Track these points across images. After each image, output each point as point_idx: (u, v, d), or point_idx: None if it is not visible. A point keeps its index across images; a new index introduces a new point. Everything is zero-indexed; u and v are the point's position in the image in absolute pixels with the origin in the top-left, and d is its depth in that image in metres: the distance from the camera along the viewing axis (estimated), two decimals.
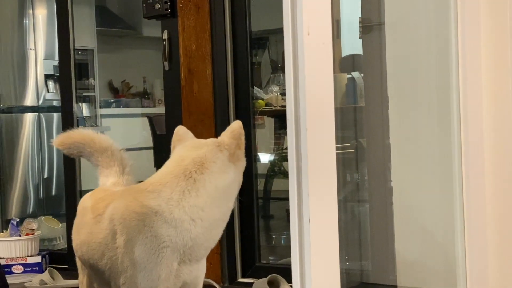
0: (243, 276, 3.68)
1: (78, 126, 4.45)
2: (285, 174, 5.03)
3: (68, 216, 4.30)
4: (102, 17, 6.92)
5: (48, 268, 3.96)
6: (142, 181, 2.12)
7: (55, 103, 5.76)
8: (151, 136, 5.83)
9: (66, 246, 4.40)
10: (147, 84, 7.87)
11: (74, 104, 4.37)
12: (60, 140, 2.46)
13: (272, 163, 5.33)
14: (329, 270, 1.82)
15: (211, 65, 3.64)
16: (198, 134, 2.23)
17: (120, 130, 6.63)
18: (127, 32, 7.74)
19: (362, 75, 3.70)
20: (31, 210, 5.63)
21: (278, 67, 6.08)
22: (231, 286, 3.64)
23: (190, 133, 2.20)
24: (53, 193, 5.77)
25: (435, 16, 2.65)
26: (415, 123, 2.72)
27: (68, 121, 4.33)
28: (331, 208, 1.82)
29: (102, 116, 6.51)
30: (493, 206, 2.29)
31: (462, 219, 2.33)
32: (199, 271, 2.08)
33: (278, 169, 5.32)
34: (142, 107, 7.60)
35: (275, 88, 4.91)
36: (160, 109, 6.49)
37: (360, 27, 3.44)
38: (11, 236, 4.19)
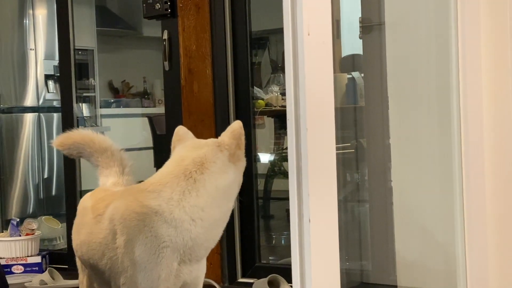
0: (243, 276, 3.68)
1: (78, 126, 4.46)
2: (285, 174, 5.03)
3: (68, 216, 4.30)
4: (102, 17, 6.92)
5: (48, 268, 3.96)
6: (142, 181, 2.12)
7: (55, 103, 5.76)
8: (151, 136, 5.84)
9: (66, 246, 4.41)
10: (147, 84, 7.87)
11: (74, 104, 4.37)
12: (60, 140, 2.46)
13: (272, 163, 5.33)
14: (329, 270, 1.82)
15: (211, 65, 3.64)
16: (198, 134, 2.23)
17: (120, 130, 6.63)
18: (127, 32, 7.74)
19: (362, 75, 3.70)
20: (31, 210, 5.63)
21: (278, 67, 6.08)
22: (231, 286, 3.64)
23: (190, 133, 2.20)
24: (53, 193, 5.77)
25: (435, 16, 2.65)
26: (415, 123, 2.72)
27: (68, 121, 4.33)
28: (331, 208, 1.82)
29: (102, 116, 6.51)
30: (493, 206, 2.29)
31: (462, 219, 2.33)
32: (199, 271, 2.08)
33: (278, 169, 5.32)
34: (142, 107, 7.60)
35: (275, 88, 4.91)
36: (160, 109, 6.49)
37: (360, 27, 3.44)
38: (11, 236, 4.19)
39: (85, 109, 6.23)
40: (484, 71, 2.27)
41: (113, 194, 2.19)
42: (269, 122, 5.33)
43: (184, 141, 2.14)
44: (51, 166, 5.77)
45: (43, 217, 4.81)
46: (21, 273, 4.12)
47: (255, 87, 4.38)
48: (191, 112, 3.67)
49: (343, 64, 3.99)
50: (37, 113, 5.79)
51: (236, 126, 2.09)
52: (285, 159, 5.08)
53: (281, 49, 5.76)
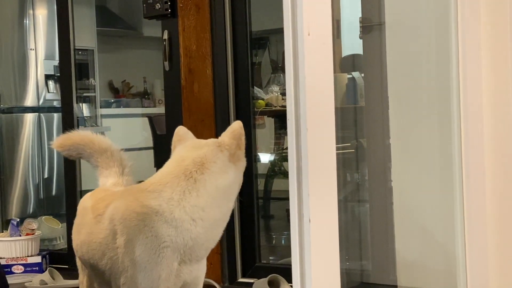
0: (243, 276, 3.68)
1: (78, 126, 4.46)
2: (285, 174, 5.03)
3: (68, 216, 4.30)
4: (102, 17, 6.92)
5: (48, 268, 3.96)
6: (142, 181, 2.12)
7: (55, 103, 5.76)
8: (151, 136, 5.84)
9: (66, 246, 4.41)
10: (148, 84, 7.87)
11: (75, 104, 4.37)
12: (59, 142, 2.46)
13: (272, 163, 5.33)
14: (329, 270, 1.82)
15: (211, 65, 3.64)
16: (198, 134, 2.23)
17: (120, 130, 6.63)
18: (127, 32, 7.74)
19: (363, 75, 3.70)
20: (31, 210, 5.63)
21: (278, 67, 6.08)
22: (231, 286, 3.64)
23: (190, 133, 2.20)
24: (53, 193, 5.77)
25: (435, 16, 2.65)
26: (415, 123, 2.72)
27: (68, 121, 4.33)
28: (331, 208, 1.82)
29: (103, 116, 6.51)
30: (493, 206, 2.29)
31: (462, 219, 2.33)
32: (199, 271, 2.08)
33: (278, 169, 5.33)
34: (142, 107, 7.60)
35: (276, 88, 4.91)
36: (161, 109, 6.49)
37: (360, 27, 3.44)
38: (11, 236, 4.19)
39: (85, 109, 6.23)
40: (484, 71, 2.28)
41: (113, 194, 2.19)
42: (269, 122, 5.33)
43: (184, 141, 2.14)
44: (51, 166, 5.76)
45: (43, 217, 4.81)
46: (21, 273, 4.12)
47: (255, 87, 4.38)
48: (191, 112, 3.67)
49: (343, 64, 3.99)
50: (37, 113, 5.79)
51: (236, 126, 2.09)
52: (285, 159, 5.08)
53: (281, 49, 5.76)
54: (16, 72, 5.73)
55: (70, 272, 3.78)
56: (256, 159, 4.13)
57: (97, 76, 6.42)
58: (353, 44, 3.82)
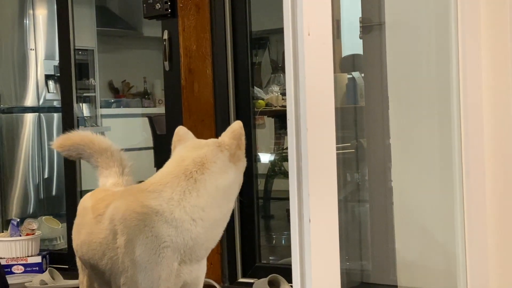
0: (243, 276, 3.68)
1: (78, 126, 4.46)
2: (285, 174, 5.03)
3: (69, 216, 4.30)
4: (102, 17, 6.92)
5: (48, 268, 3.96)
6: (142, 181, 2.12)
7: (55, 103, 5.76)
8: (151, 136, 5.84)
9: (66, 246, 4.41)
10: (148, 84, 7.87)
11: (75, 104, 4.37)
12: (59, 142, 2.46)
13: (272, 163, 5.33)
14: (329, 270, 1.82)
15: (211, 65, 3.64)
16: (199, 134, 2.23)
17: (120, 130, 6.62)
18: (127, 32, 7.74)
19: (363, 75, 3.70)
20: (31, 210, 5.63)
21: (278, 67, 6.08)
22: (231, 286, 3.64)
23: (190, 133, 2.20)
24: (54, 193, 5.77)
25: (435, 16, 2.65)
26: (415, 123, 2.72)
27: (69, 121, 4.33)
28: (332, 208, 1.82)
29: (103, 116, 6.51)
30: (493, 206, 2.29)
31: (462, 219, 2.33)
32: (199, 271, 2.08)
33: (279, 169, 5.32)
34: (142, 107, 7.60)
35: (276, 88, 4.91)
36: (161, 109, 6.49)
37: (360, 27, 3.44)
38: (11, 236, 4.19)
39: (85, 109, 6.23)
40: (484, 70, 2.27)
41: (114, 194, 2.19)
42: (269, 122, 5.33)
43: (184, 141, 2.14)
44: (51, 166, 5.77)
45: (43, 217, 4.81)
46: (21, 273, 4.12)
47: (255, 87, 4.38)
48: (191, 112, 3.67)
49: (343, 64, 3.99)
50: (37, 113, 5.79)
51: (237, 126, 2.09)
52: (285, 159, 5.08)
53: (281, 49, 5.76)
54: (16, 72, 5.73)
55: (70, 272, 3.78)
56: (256, 159, 4.13)
57: (97, 76, 6.42)
58: (353, 44, 3.82)
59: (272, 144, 5.45)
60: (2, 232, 4.55)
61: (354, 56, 3.97)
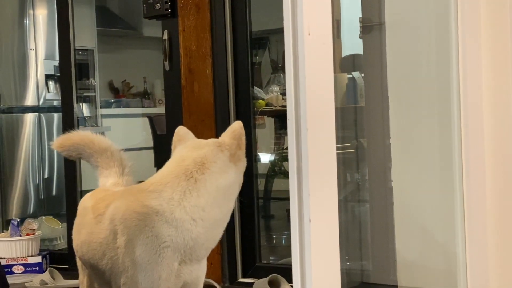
0: (243, 276, 3.68)
1: (78, 126, 4.46)
2: (285, 174, 5.03)
3: (69, 216, 4.30)
4: (102, 17, 6.92)
5: (48, 268, 3.96)
6: (142, 181, 2.12)
7: (55, 103, 5.76)
8: (151, 136, 5.84)
9: (66, 246, 4.41)
10: (148, 84, 7.87)
11: (75, 104, 4.37)
12: (59, 142, 2.46)
13: (272, 163, 5.33)
14: (329, 270, 1.82)
15: (211, 65, 3.64)
16: (199, 134, 2.23)
17: (120, 130, 6.63)
18: (127, 32, 7.74)
19: (363, 75, 3.70)
20: (31, 210, 5.63)
21: (278, 67, 6.08)
22: (231, 286, 3.64)
23: (190, 133, 2.20)
24: (54, 193, 5.77)
25: (436, 16, 2.65)
26: (415, 123, 2.72)
27: (69, 121, 4.33)
28: (332, 208, 1.82)
29: (103, 116, 6.51)
30: (494, 206, 2.29)
31: (462, 219, 2.33)
32: (199, 271, 2.08)
33: (279, 169, 5.33)
34: (142, 107, 7.61)
35: (276, 88, 4.91)
36: (161, 109, 6.50)
37: (360, 27, 3.44)
38: (11, 236, 4.19)
39: (85, 109, 6.23)
40: (484, 70, 2.28)
41: (114, 194, 2.19)
42: (269, 122, 5.33)
43: (184, 141, 2.14)
44: (51, 166, 5.77)
45: (44, 217, 4.81)
46: (21, 273, 4.12)
47: (255, 87, 4.38)
48: (192, 112, 3.67)
49: (344, 64, 3.99)
50: (37, 113, 5.79)
51: (237, 126, 2.09)
52: (285, 159, 5.08)
53: (282, 49, 5.76)
54: (16, 72, 5.73)
55: (71, 272, 3.79)
56: (256, 159, 4.13)
57: (97, 76, 6.42)
58: (353, 44, 3.82)
59: (272, 144, 5.45)
60: (2, 232, 4.55)
61: (354, 56, 3.97)
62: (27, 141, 5.70)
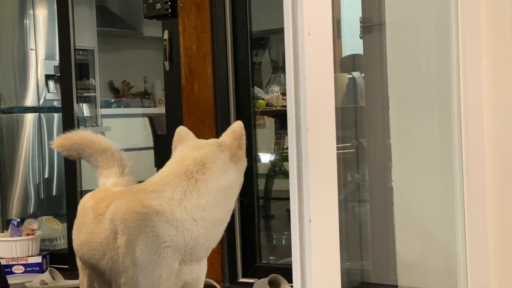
0: (243, 276, 3.68)
1: (78, 126, 4.46)
2: (285, 174, 5.03)
3: (69, 216, 4.30)
4: (102, 17, 6.92)
5: (48, 268, 3.96)
6: (142, 181, 2.12)
7: (55, 103, 5.76)
8: (151, 136, 5.84)
9: (66, 246, 4.41)
10: (148, 84, 7.87)
11: (75, 104, 4.37)
12: (59, 142, 2.46)
13: (272, 163, 5.33)
14: (329, 270, 1.82)
15: (211, 65, 3.64)
16: (199, 134, 2.23)
17: (120, 130, 6.63)
18: (127, 32, 7.75)
19: (363, 75, 3.70)
20: (31, 210, 5.63)
21: (278, 67, 6.08)
22: (232, 286, 3.64)
23: (191, 134, 2.20)
24: (54, 193, 5.77)
25: (436, 16, 2.65)
26: (415, 123, 2.72)
27: (69, 121, 4.33)
28: (332, 208, 1.82)
29: (103, 116, 6.52)
30: (494, 206, 2.29)
31: (462, 219, 2.33)
32: (200, 271, 2.08)
33: (279, 169, 5.33)
34: (142, 107, 7.61)
35: (276, 88, 4.91)
36: (161, 109, 6.50)
37: (360, 27, 3.44)
38: (11, 236, 4.19)
39: (85, 109, 6.23)
40: (485, 70, 2.28)
41: (114, 194, 2.19)
42: (269, 122, 5.33)
43: (185, 141, 2.14)
44: (51, 166, 5.77)
45: (44, 217, 4.81)
46: (21, 273, 4.12)
47: (255, 87, 4.38)
48: (192, 112, 3.67)
49: (344, 64, 3.99)
50: (37, 113, 5.79)
51: (237, 126, 2.09)
52: (285, 159, 5.08)
53: (282, 49, 5.76)
54: (16, 72, 5.73)
55: (71, 272, 3.79)
56: (257, 159, 4.13)
57: (97, 76, 6.43)
58: (353, 44, 3.82)
59: (273, 144, 5.45)
60: (3, 232, 4.55)
61: (354, 56, 3.97)
62: (27, 141, 5.70)
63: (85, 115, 6.08)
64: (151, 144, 5.90)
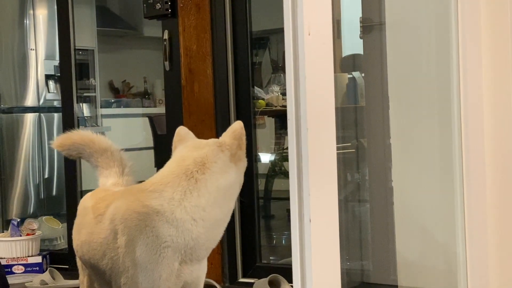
0: (244, 276, 3.68)
1: (78, 126, 4.46)
2: (285, 174, 5.03)
3: (69, 216, 4.30)
4: (102, 17, 6.93)
5: (48, 268, 3.96)
6: (142, 181, 2.12)
7: (55, 103, 5.77)
8: (151, 136, 5.84)
9: (66, 246, 4.41)
10: (148, 84, 7.87)
11: (75, 104, 4.37)
12: (59, 141, 2.46)
13: (272, 163, 5.33)
14: (329, 270, 1.82)
15: (211, 65, 3.64)
16: (199, 134, 2.23)
17: (120, 130, 6.63)
18: (127, 32, 7.75)
19: (363, 75, 3.70)
20: (31, 210, 5.63)
21: (278, 67, 6.09)
22: (232, 286, 3.64)
23: (191, 134, 2.20)
24: (54, 193, 5.77)
25: (436, 16, 2.65)
26: (415, 123, 2.72)
27: (69, 121, 4.33)
28: (332, 208, 1.82)
29: (103, 116, 6.52)
30: (494, 206, 2.29)
31: (462, 219, 2.33)
32: (200, 271, 2.08)
33: (279, 169, 5.33)
34: (142, 107, 7.61)
35: (276, 88, 4.91)
36: (161, 109, 6.50)
37: (360, 27, 3.44)
38: (11, 236, 4.19)
39: (85, 109, 6.23)
40: (485, 70, 2.28)
41: (114, 194, 2.19)
42: (269, 122, 5.34)
43: (185, 142, 2.14)
44: (51, 166, 5.77)
45: (44, 217, 4.81)
46: (21, 273, 4.12)
47: (255, 87, 4.38)
48: (192, 112, 3.67)
49: (344, 64, 3.99)
50: (37, 113, 5.79)
51: (237, 126, 2.09)
52: (285, 159, 5.08)
53: (282, 49, 5.76)
54: (16, 72, 5.73)
55: (71, 272, 3.79)
56: (257, 159, 4.13)
57: (98, 76, 6.43)
58: (353, 44, 3.82)
59: (273, 144, 5.45)
60: (3, 232, 4.55)
61: (354, 56, 3.97)
62: (27, 141, 5.70)
63: (85, 115, 6.09)
64: (151, 144, 5.90)
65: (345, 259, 3.42)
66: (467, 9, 2.28)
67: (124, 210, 2.01)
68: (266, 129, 5.34)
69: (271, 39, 6.71)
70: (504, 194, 2.29)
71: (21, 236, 4.20)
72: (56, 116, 5.71)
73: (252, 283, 3.46)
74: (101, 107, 6.50)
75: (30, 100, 5.77)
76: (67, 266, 4.05)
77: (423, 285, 2.70)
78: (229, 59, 3.65)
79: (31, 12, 5.77)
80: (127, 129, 6.95)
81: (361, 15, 3.45)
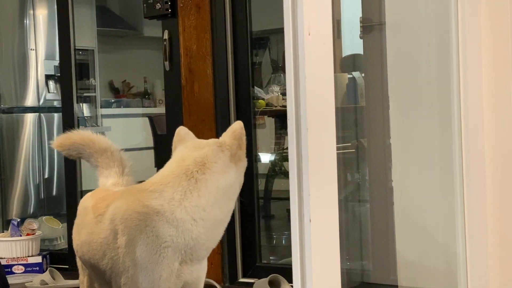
0: (244, 276, 3.68)
1: (78, 126, 4.46)
2: (285, 174, 5.03)
3: (69, 216, 4.30)
4: (102, 17, 6.93)
5: (48, 268, 3.96)
6: (142, 181, 2.12)
7: (55, 103, 5.76)
8: (151, 136, 5.84)
9: (66, 246, 4.41)
10: (148, 84, 7.87)
11: (75, 104, 4.37)
12: (59, 141, 2.46)
13: (272, 163, 5.33)
14: (329, 270, 1.82)
15: (211, 65, 3.64)
16: (199, 134, 2.23)
17: (120, 130, 6.63)
18: (127, 32, 7.75)
19: (363, 75, 3.70)
20: (31, 210, 5.63)
21: (278, 67, 6.09)
22: (232, 286, 3.64)
23: (191, 134, 2.20)
24: (54, 193, 5.77)
25: (436, 16, 2.65)
26: (416, 123, 2.72)
27: (69, 121, 4.33)
28: (332, 208, 1.82)
29: (103, 116, 6.52)
30: (494, 206, 2.29)
31: (463, 219, 2.33)
32: (200, 271, 2.08)
33: (279, 169, 5.33)
34: (142, 107, 7.61)
35: (276, 88, 4.91)
36: (161, 109, 6.50)
37: (360, 27, 3.44)
38: (11, 236, 4.19)
39: (85, 109, 6.23)
40: (485, 70, 2.28)
41: (114, 194, 2.19)
42: (269, 122, 5.33)
43: (185, 142, 2.14)
44: (51, 166, 5.77)
45: (44, 217, 4.81)
46: (21, 273, 4.12)
47: (255, 87, 4.38)
48: (192, 112, 3.67)
49: (344, 64, 3.99)
50: (37, 113, 5.79)
51: (237, 126, 2.09)
52: (285, 159, 5.08)
53: (282, 49, 5.76)
54: (16, 72, 5.73)
55: (71, 272, 3.78)
56: (257, 159, 4.13)
57: (98, 76, 6.43)
58: (353, 44, 3.82)
59: (273, 144, 5.45)
60: (3, 232, 4.55)
61: (354, 56, 3.97)
62: (27, 141, 5.70)
63: (85, 115, 6.09)
64: (151, 144, 5.90)
65: (345, 259, 3.42)
66: (467, 9, 2.28)
67: (124, 210, 2.01)
68: (266, 129, 5.34)
69: (271, 39, 6.71)
70: (504, 194, 2.29)
71: (21, 236, 4.19)
72: (56, 116, 5.71)
73: (252, 283, 3.46)
74: (101, 107, 6.50)
75: (30, 100, 5.77)
76: (67, 266, 4.05)
77: (423, 285, 2.70)
78: (229, 59, 3.65)
79: (31, 12, 5.77)
80: (127, 129, 6.95)
81: (361, 15, 3.45)
